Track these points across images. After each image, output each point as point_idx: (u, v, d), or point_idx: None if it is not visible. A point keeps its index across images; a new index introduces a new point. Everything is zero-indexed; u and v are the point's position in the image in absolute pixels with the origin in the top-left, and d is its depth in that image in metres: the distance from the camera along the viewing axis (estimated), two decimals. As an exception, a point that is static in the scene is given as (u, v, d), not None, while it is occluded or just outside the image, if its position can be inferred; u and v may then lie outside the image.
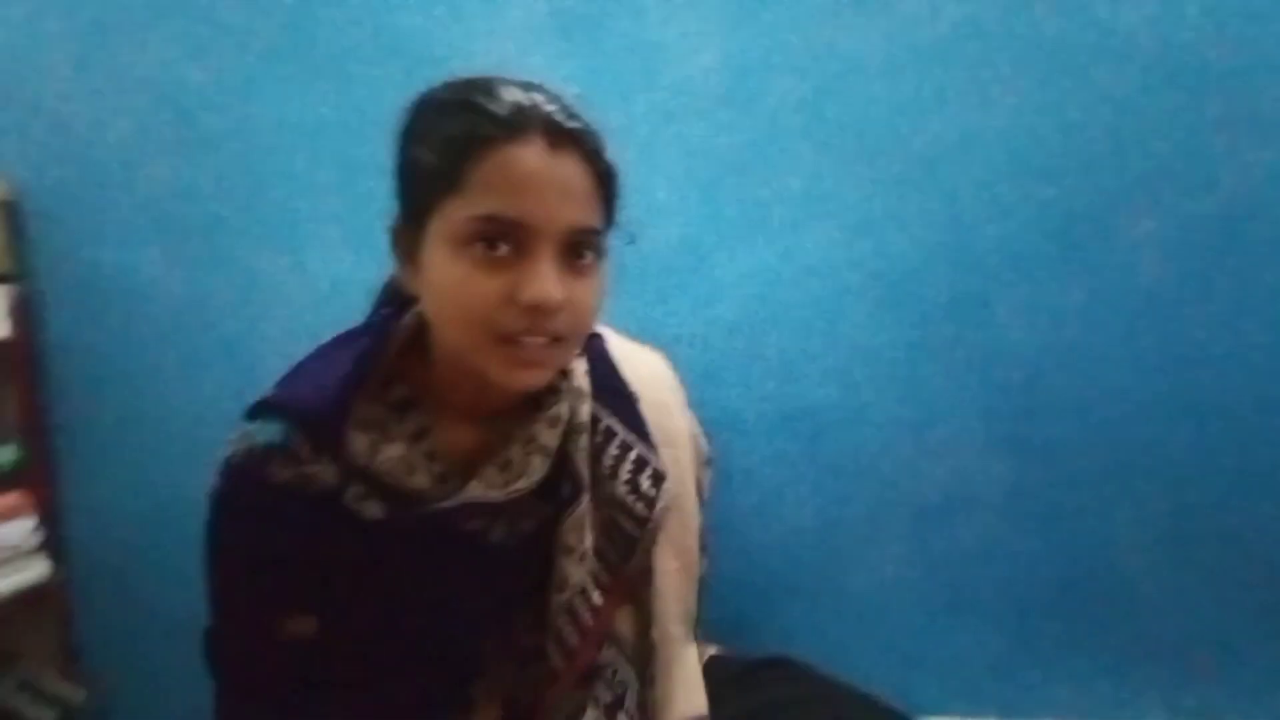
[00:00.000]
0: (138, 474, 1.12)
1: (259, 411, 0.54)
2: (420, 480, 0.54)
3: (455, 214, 0.49)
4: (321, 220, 1.04)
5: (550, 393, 0.59)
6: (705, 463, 0.78)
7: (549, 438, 0.58)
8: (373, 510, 0.52)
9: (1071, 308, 0.94)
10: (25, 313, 1.08)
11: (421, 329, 0.57)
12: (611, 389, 0.65)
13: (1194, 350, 0.93)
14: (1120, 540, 0.96)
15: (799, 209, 0.97)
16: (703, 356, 0.99)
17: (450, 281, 0.49)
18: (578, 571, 0.58)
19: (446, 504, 0.53)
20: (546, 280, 0.48)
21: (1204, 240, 0.91)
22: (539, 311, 0.49)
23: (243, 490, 0.52)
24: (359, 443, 0.52)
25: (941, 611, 1.00)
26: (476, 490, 0.54)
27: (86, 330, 1.11)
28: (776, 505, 1.00)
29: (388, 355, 0.56)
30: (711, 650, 0.78)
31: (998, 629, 0.99)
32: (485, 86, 0.50)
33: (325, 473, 0.52)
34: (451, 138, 0.49)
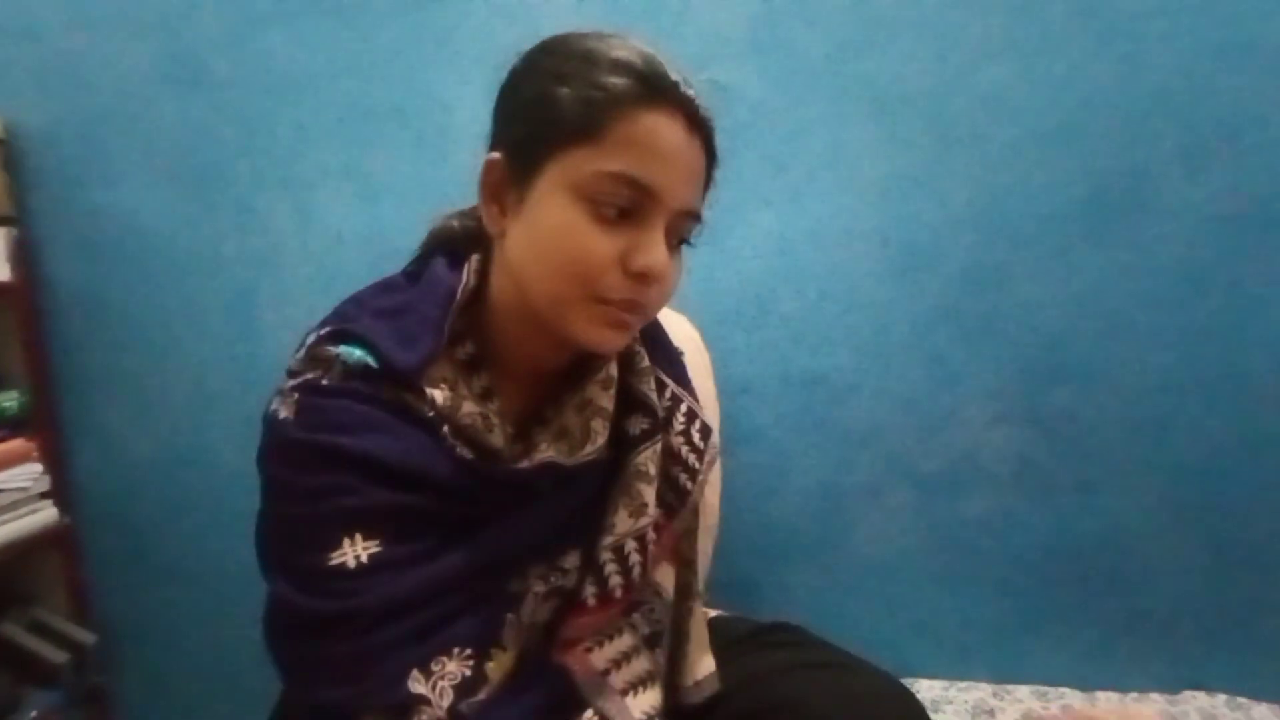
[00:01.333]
0: (144, 420, 1.12)
1: (343, 337, 0.51)
2: (496, 438, 0.53)
3: (585, 164, 0.47)
4: (328, 168, 1.01)
5: (598, 355, 0.58)
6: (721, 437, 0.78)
7: (604, 400, 0.57)
8: (463, 451, 0.51)
9: (1096, 279, 0.92)
10: (25, 257, 1.07)
11: (483, 282, 0.55)
12: (660, 343, 0.66)
13: (1217, 325, 0.92)
14: (1124, 513, 0.97)
15: (819, 169, 0.94)
16: (713, 318, 0.98)
17: (561, 229, 0.48)
18: (654, 500, 0.59)
19: (524, 465, 0.53)
20: (660, 250, 0.49)
21: (1241, 214, 0.89)
22: (644, 280, 0.49)
23: (337, 407, 0.48)
24: (439, 396, 0.51)
25: (942, 579, 1.01)
26: (548, 453, 0.54)
27: (88, 275, 1.09)
28: (783, 470, 1.01)
29: (463, 318, 0.54)
30: (713, 612, 0.79)
31: (997, 597, 1.00)
32: (642, 51, 0.50)
33: (422, 408, 0.51)
34: (601, 85, 0.48)
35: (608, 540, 0.57)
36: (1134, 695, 0.96)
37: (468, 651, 0.50)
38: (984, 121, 0.90)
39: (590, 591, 0.57)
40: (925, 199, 0.93)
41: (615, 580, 0.58)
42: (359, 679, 0.48)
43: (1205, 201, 0.89)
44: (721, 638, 0.72)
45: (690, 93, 0.50)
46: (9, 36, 1.05)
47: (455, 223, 0.59)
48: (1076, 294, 0.92)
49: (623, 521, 0.58)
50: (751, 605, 0.87)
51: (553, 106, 0.48)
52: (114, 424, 1.13)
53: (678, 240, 0.52)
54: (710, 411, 0.71)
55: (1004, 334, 0.95)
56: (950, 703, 0.93)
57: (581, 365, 0.58)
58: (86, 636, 1.12)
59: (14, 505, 1.03)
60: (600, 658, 0.58)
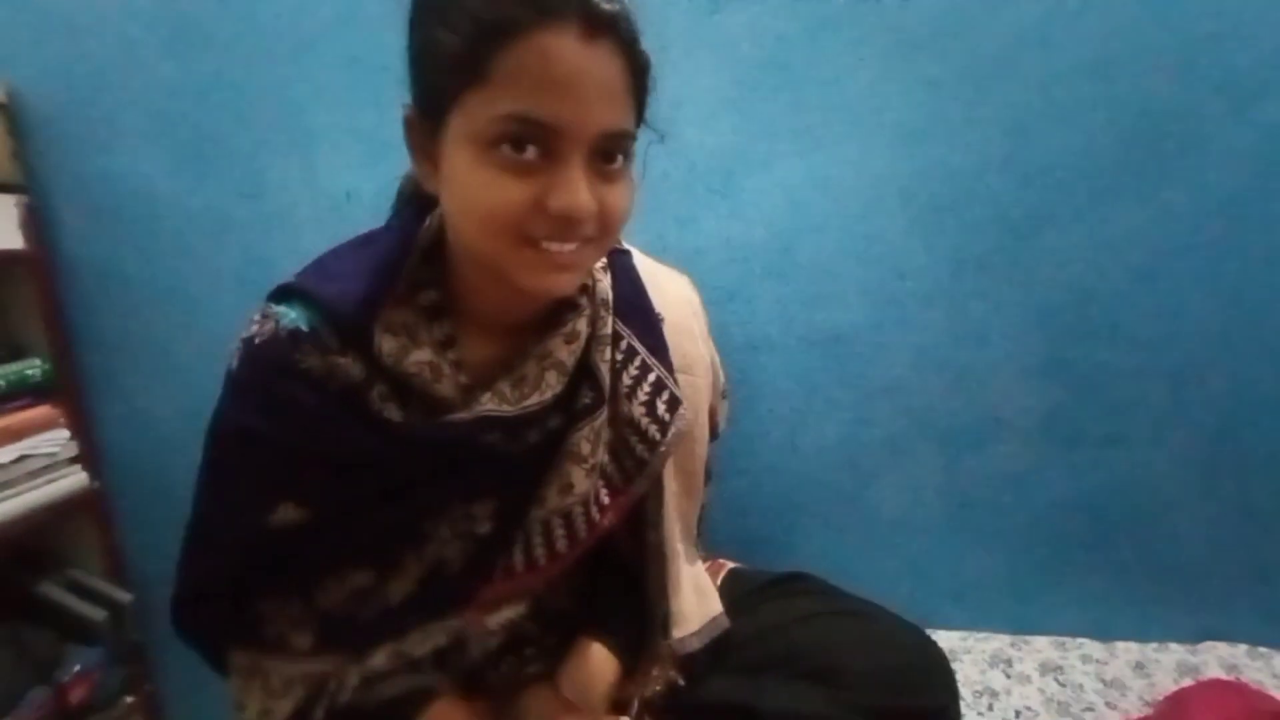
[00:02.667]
0: (166, 383, 1.13)
1: (284, 295, 0.51)
2: (445, 388, 0.53)
3: (479, 110, 0.44)
4: (332, 126, 0.99)
5: (570, 308, 0.58)
6: (722, 393, 0.77)
7: (565, 354, 0.56)
8: (392, 413, 0.51)
9: (1130, 226, 0.89)
10: (36, 224, 1.07)
11: (444, 232, 0.55)
12: (637, 308, 0.63)
13: (1256, 274, 0.88)
14: (1151, 467, 0.95)
15: (839, 115, 0.90)
16: (729, 272, 0.96)
17: (474, 186, 0.46)
18: (585, 481, 0.58)
19: (460, 416, 0.52)
20: (577, 188, 0.45)
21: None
22: (569, 220, 0.46)
23: (265, 372, 0.50)
24: (387, 344, 0.51)
25: (962, 533, 1.01)
26: (490, 404, 0.53)
27: (99, 241, 1.09)
28: (800, 425, 1.00)
29: (413, 259, 0.54)
30: (730, 565, 0.79)
31: (1018, 550, 1.00)
32: None
33: (352, 367, 0.50)
34: (476, 19, 0.43)
35: (538, 513, 0.58)
36: (1154, 645, 0.96)
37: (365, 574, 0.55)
38: (1013, 60, 0.86)
39: (519, 560, 0.58)
40: (950, 144, 0.89)
41: (540, 552, 0.58)
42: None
43: (1246, 142, 0.84)
44: (740, 588, 0.72)
45: None
46: (7, 2, 1.02)
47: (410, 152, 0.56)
48: (1109, 241, 0.89)
49: (551, 497, 0.58)
50: (770, 560, 0.88)
51: (435, 49, 0.45)
52: (136, 388, 1.14)
53: (618, 162, 0.48)
54: (700, 376, 0.69)
55: (1030, 284, 0.92)
56: (968, 652, 0.94)
57: (550, 317, 0.57)
58: (123, 595, 1.15)
59: (44, 470, 1.06)
60: (494, 620, 0.60)
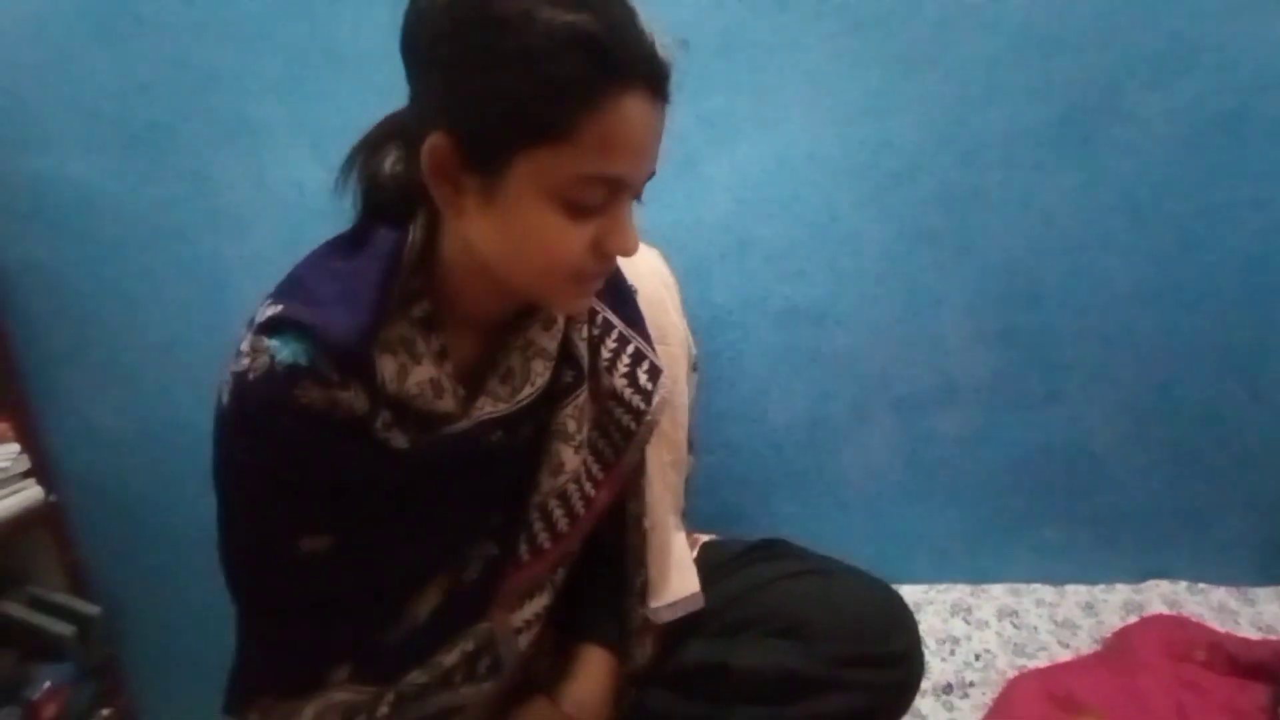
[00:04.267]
0: (116, 393, 1.10)
1: (276, 328, 0.48)
2: (446, 403, 0.53)
3: (556, 165, 0.44)
4: (279, 120, 0.96)
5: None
6: (692, 366, 0.78)
7: (546, 340, 0.57)
8: (398, 440, 0.51)
9: (1067, 195, 0.93)
10: (-32, 232, 1.02)
11: (430, 240, 0.53)
12: (609, 282, 0.64)
13: (1182, 236, 0.94)
14: (1091, 422, 1.01)
15: (794, 95, 0.92)
16: (692, 251, 0.97)
17: (539, 230, 0.46)
18: (574, 458, 0.59)
19: (461, 426, 0.53)
20: (632, 232, 0.48)
21: (1205, 125, 0.89)
22: (619, 258, 0.49)
23: (262, 411, 0.47)
24: (388, 368, 0.50)
25: (921, 493, 1.06)
26: (488, 407, 0.54)
27: (36, 247, 1.04)
28: (766, 399, 1.03)
29: (404, 273, 0.52)
30: (706, 537, 0.82)
31: (973, 506, 1.05)
32: (592, 7, 0.43)
33: (355, 399, 0.49)
34: (553, 78, 0.42)
35: (535, 499, 0.59)
36: (1101, 587, 1.03)
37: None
38: (952, 39, 0.89)
39: (524, 550, 0.59)
40: (901, 122, 0.92)
41: (543, 537, 0.59)
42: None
43: (1171, 114, 0.89)
44: (713, 559, 0.75)
45: (654, 49, 0.45)
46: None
47: (385, 169, 0.53)
48: (1048, 210, 0.93)
49: (545, 480, 0.59)
50: (743, 530, 0.90)
51: (503, 98, 0.43)
52: (85, 397, 1.11)
53: (637, 198, 0.50)
54: (676, 346, 0.70)
55: (977, 254, 0.96)
56: (931, 603, 0.99)
57: (527, 308, 0.57)
58: (89, 609, 1.12)
59: (-4, 487, 1.02)
60: (518, 617, 0.60)
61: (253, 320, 0.49)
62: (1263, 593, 1.00)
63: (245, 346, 0.48)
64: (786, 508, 1.06)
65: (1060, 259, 0.95)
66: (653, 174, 0.49)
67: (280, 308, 0.48)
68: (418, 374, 0.51)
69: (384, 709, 0.56)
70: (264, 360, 0.47)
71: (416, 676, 0.57)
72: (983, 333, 0.99)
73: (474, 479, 0.56)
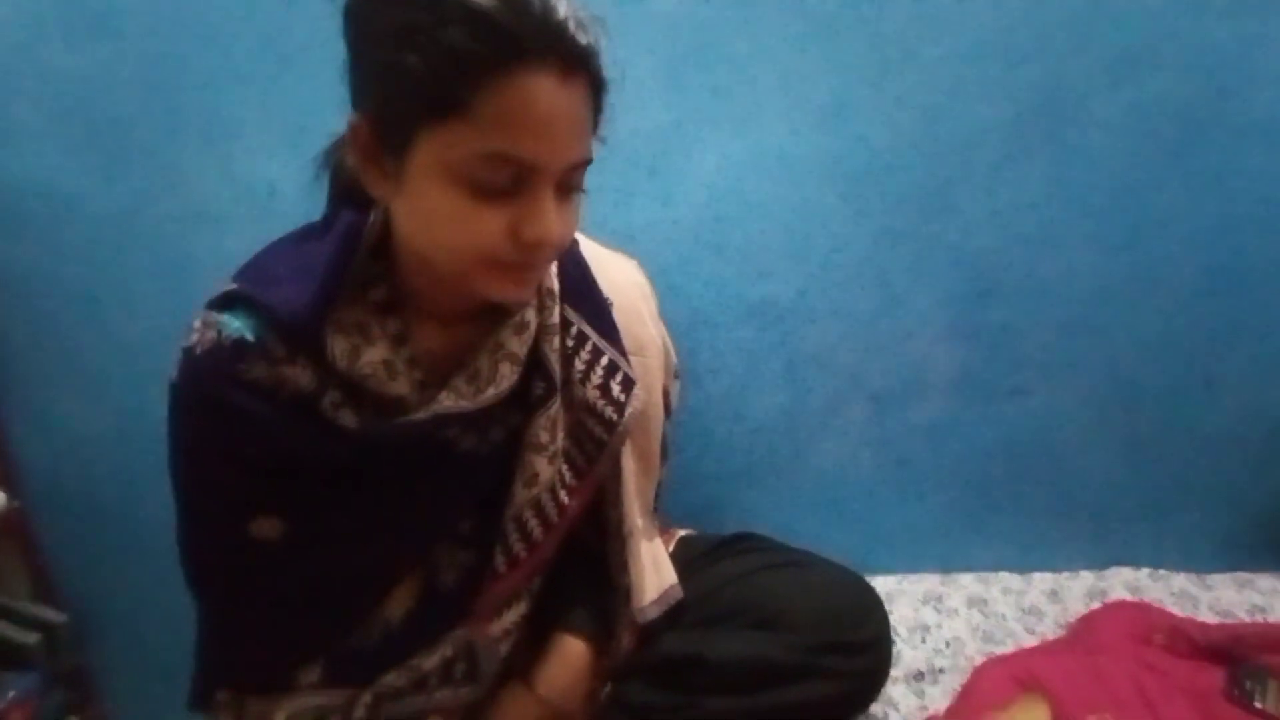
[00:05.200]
0: (82, 397, 1.08)
1: (228, 303, 0.49)
2: (400, 386, 0.53)
3: (455, 144, 0.44)
4: (249, 114, 0.95)
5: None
6: (674, 374, 0.79)
7: (516, 344, 0.57)
8: (347, 419, 0.51)
9: (1029, 193, 0.95)
10: (-75, 231, 0.99)
11: (388, 229, 0.54)
12: (584, 293, 0.64)
13: (1140, 232, 0.97)
14: (1054, 414, 1.04)
15: (765, 96, 0.93)
16: (666, 251, 0.98)
17: (445, 213, 0.46)
18: (548, 469, 0.60)
19: (419, 416, 0.52)
20: (550, 219, 0.46)
21: (1162, 123, 0.92)
22: (539, 247, 0.47)
23: (207, 384, 0.48)
24: (339, 346, 0.50)
25: (893, 485, 1.08)
26: (448, 401, 0.53)
27: (2, 246, 1.02)
28: (741, 396, 1.04)
29: (361, 256, 0.53)
30: (682, 531, 0.83)
31: (942, 497, 1.08)
32: None
33: (301, 376, 0.49)
34: (452, 52, 0.42)
35: (509, 510, 0.59)
36: (1066, 574, 1.06)
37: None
38: (916, 40, 0.90)
39: (500, 560, 0.60)
40: (869, 122, 0.93)
41: (519, 547, 0.60)
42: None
43: (1132, 113, 0.92)
44: (691, 553, 0.76)
45: (563, 27, 0.43)
46: None
47: (351, 157, 0.53)
48: (1011, 209, 0.96)
49: (520, 491, 0.59)
50: (718, 525, 0.91)
51: (405, 76, 0.43)
52: (50, 400, 1.08)
53: (577, 182, 0.50)
54: (652, 357, 0.71)
55: (947, 252, 0.98)
56: (903, 593, 1.01)
57: (497, 307, 0.58)
58: (56, 616, 1.10)
59: (-44, 493, 1.00)
60: (497, 627, 0.61)
61: (210, 295, 0.50)
62: (1220, 579, 1.04)
63: (197, 323, 0.49)
64: (762, 501, 1.08)
65: (1025, 255, 0.98)
66: (584, 160, 0.48)
67: (234, 285, 0.49)
68: (370, 354, 0.51)
69: (359, 711, 0.56)
70: (211, 335, 0.48)
71: (393, 679, 0.57)
72: (951, 328, 1.01)
73: (440, 481, 0.56)
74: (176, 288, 1.01)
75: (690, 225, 0.98)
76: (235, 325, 0.48)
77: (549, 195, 0.47)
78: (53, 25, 0.93)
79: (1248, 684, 0.81)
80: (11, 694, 1.03)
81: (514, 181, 0.45)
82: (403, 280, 0.54)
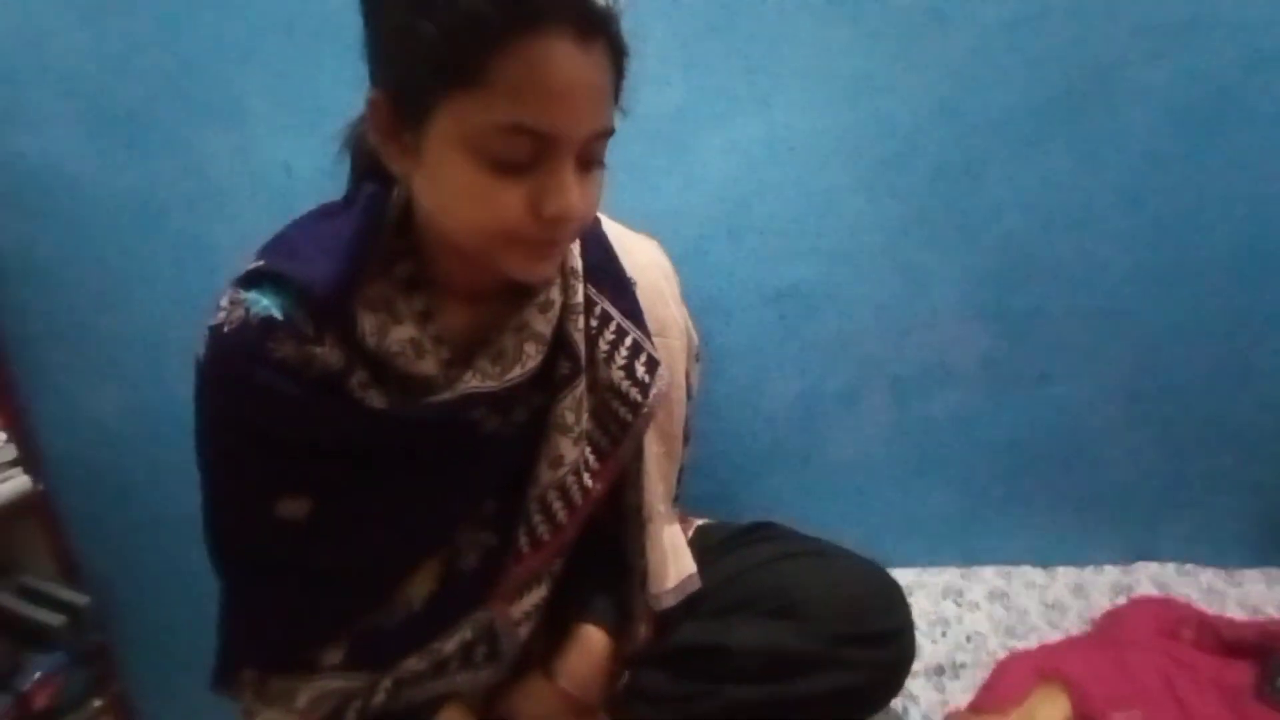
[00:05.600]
0: (104, 379, 1.08)
1: (255, 280, 0.49)
2: (428, 365, 0.52)
3: (471, 114, 0.43)
4: (266, 95, 0.95)
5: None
6: (695, 356, 0.78)
7: (541, 324, 0.56)
8: (374, 399, 0.50)
9: (1062, 174, 0.92)
10: (-52, 216, 1.00)
11: (411, 206, 0.53)
12: (608, 273, 0.63)
13: (1174, 215, 0.94)
14: (1080, 402, 1.01)
15: (787, 74, 0.91)
16: (685, 234, 0.96)
17: (463, 187, 0.45)
18: (573, 451, 0.59)
19: (444, 397, 0.52)
20: (571, 193, 0.45)
21: (1199, 102, 0.89)
22: (560, 220, 0.46)
23: (234, 362, 0.47)
24: (368, 323, 0.49)
25: (914, 475, 1.06)
26: (474, 381, 0.53)
27: (20, 231, 1.03)
28: (760, 382, 1.02)
29: (385, 232, 0.52)
30: (699, 520, 0.82)
31: (964, 487, 1.06)
32: None
33: (329, 354, 0.49)
34: (467, 17, 0.40)
35: (534, 491, 0.59)
36: (1090, 569, 1.04)
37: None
38: (948, 16, 0.87)
39: (523, 542, 0.59)
40: (894, 100, 0.91)
41: (542, 529, 0.59)
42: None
43: (1169, 90, 0.89)
44: (708, 541, 0.75)
45: None
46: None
47: (371, 133, 0.52)
48: (1043, 190, 0.93)
49: (544, 472, 0.59)
50: (736, 514, 0.90)
51: (420, 44, 0.42)
52: (72, 384, 1.09)
53: (598, 154, 0.48)
54: (675, 338, 0.70)
55: (973, 235, 0.95)
56: (923, 586, 1.00)
57: (521, 286, 0.56)
58: (79, 597, 1.12)
59: (-19, 475, 1.01)
60: (517, 609, 0.61)
61: (237, 273, 0.50)
62: (1249, 574, 1.01)
63: (224, 301, 0.49)
64: (779, 490, 1.06)
65: (1054, 238, 0.95)
66: (605, 131, 0.47)
67: (261, 262, 0.48)
68: (398, 332, 0.51)
69: (380, 695, 0.55)
70: (239, 313, 0.48)
71: (415, 663, 0.57)
72: (976, 313, 0.98)
73: (464, 461, 0.56)
74: (194, 270, 1.02)
75: (708, 206, 0.96)
76: (263, 303, 0.48)
77: (569, 168, 0.45)
78: (70, 10, 0.93)
79: (1278, 681, 0.79)
80: (37, 674, 1.05)
81: (534, 155, 0.44)
82: (427, 258, 0.53)
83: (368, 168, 0.53)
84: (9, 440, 1.04)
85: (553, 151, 0.44)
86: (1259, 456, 1.03)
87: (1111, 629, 0.92)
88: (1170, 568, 1.03)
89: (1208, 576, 1.02)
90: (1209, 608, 0.95)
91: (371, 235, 0.50)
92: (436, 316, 0.54)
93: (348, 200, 0.54)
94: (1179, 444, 1.03)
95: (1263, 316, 0.97)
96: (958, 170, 0.93)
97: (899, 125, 0.92)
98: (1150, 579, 1.01)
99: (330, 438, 0.51)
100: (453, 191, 0.46)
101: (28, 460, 1.07)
